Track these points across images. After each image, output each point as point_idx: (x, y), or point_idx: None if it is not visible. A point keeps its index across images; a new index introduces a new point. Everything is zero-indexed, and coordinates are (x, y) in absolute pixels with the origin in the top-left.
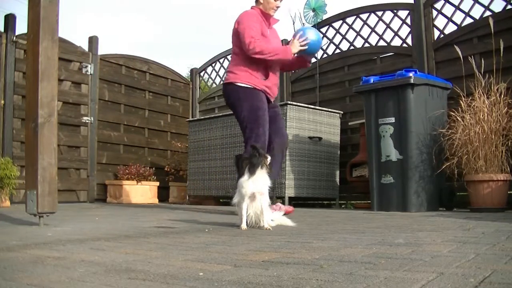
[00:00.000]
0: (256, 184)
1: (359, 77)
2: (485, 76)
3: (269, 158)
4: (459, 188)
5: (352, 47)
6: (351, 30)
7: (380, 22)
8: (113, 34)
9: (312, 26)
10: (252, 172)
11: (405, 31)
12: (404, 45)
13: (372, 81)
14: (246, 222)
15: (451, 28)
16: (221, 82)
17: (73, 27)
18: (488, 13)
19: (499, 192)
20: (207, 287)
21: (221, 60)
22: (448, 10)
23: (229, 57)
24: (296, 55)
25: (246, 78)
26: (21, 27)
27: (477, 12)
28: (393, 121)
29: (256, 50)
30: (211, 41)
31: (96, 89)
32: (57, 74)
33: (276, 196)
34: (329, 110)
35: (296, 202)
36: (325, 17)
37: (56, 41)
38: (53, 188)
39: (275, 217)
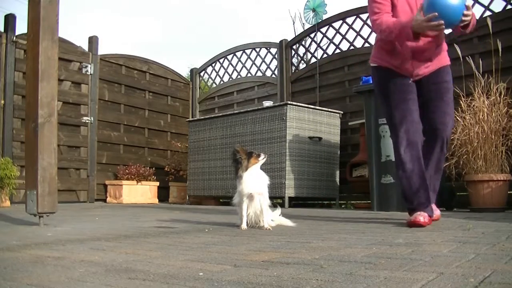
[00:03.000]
0: (254, 185)
1: (359, 77)
2: (485, 76)
3: (262, 156)
4: (459, 188)
5: (352, 47)
6: (351, 30)
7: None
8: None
9: (312, 26)
10: (238, 175)
11: None
12: None
13: (372, 81)
14: (246, 222)
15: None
16: (221, 82)
17: (73, 27)
18: (488, 13)
19: (499, 192)
20: (207, 287)
21: (221, 60)
22: None
23: (229, 57)
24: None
25: None
26: (21, 27)
27: (477, 12)
28: None
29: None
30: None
31: (96, 89)
32: (57, 74)
33: (276, 196)
34: (329, 110)
35: (296, 202)
36: (325, 17)
37: (56, 41)
38: (53, 188)
39: (275, 217)
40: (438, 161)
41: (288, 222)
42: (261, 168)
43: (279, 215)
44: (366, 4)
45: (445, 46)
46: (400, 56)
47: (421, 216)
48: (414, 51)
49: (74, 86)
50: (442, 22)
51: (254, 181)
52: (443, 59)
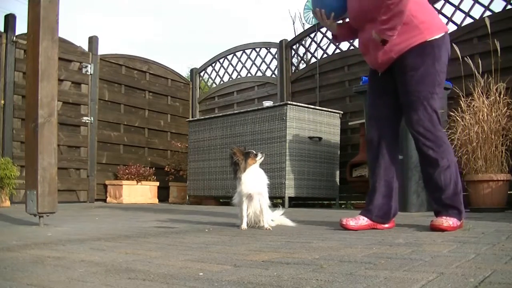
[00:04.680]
0: (253, 185)
1: (359, 77)
2: (484, 76)
3: (259, 156)
4: None
5: (352, 47)
6: None
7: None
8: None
9: (312, 26)
10: (237, 176)
11: None
12: None
13: None
14: (246, 222)
15: (451, 28)
16: (221, 82)
17: (73, 27)
18: (488, 13)
19: (499, 192)
20: (207, 287)
21: (221, 60)
22: (448, 10)
23: (229, 57)
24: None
25: None
26: (21, 27)
27: (477, 12)
28: None
29: None
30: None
31: (96, 89)
32: (57, 74)
33: (276, 196)
34: (329, 110)
35: (296, 202)
36: None
37: (56, 41)
38: (53, 188)
39: (275, 216)
40: (422, 164)
41: (288, 222)
42: (261, 168)
43: (281, 215)
44: None
45: (418, 21)
46: (363, 49)
47: (351, 220)
48: (364, 40)
49: (74, 86)
50: (323, 10)
51: (253, 181)
52: (411, 39)
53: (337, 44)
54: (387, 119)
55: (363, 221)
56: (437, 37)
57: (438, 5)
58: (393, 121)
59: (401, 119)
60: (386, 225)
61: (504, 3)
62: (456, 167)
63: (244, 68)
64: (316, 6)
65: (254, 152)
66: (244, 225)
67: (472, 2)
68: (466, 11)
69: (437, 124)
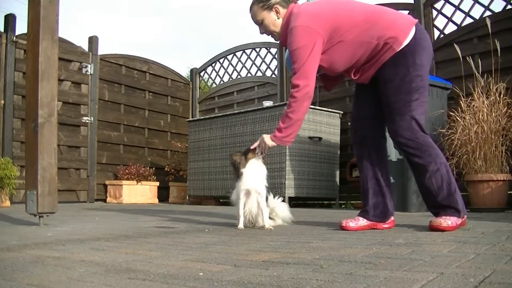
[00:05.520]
0: (252, 180)
1: None
2: (484, 76)
3: (257, 150)
4: (459, 188)
5: None
6: None
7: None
8: (113, 34)
9: None
10: (239, 173)
11: None
12: None
13: None
14: (244, 222)
15: (451, 28)
16: (221, 82)
17: (73, 27)
18: (488, 13)
19: (499, 192)
20: (207, 287)
21: (221, 60)
22: (448, 10)
23: (229, 57)
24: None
25: None
26: (21, 27)
27: (477, 12)
28: None
29: None
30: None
31: (96, 89)
32: (57, 74)
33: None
34: (329, 110)
35: (296, 202)
36: None
37: (56, 41)
38: (53, 188)
39: (275, 203)
40: (413, 171)
41: (286, 212)
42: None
43: (281, 201)
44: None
45: (383, 39)
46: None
47: (350, 221)
48: (350, 74)
49: (74, 86)
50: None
51: (253, 176)
52: (384, 54)
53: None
54: (370, 119)
55: (363, 221)
56: (406, 42)
57: (438, 5)
58: (376, 120)
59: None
60: (386, 225)
61: (504, 3)
62: (447, 167)
63: (244, 68)
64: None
65: (252, 148)
66: (240, 225)
67: (472, 2)
68: (466, 11)
69: (417, 131)
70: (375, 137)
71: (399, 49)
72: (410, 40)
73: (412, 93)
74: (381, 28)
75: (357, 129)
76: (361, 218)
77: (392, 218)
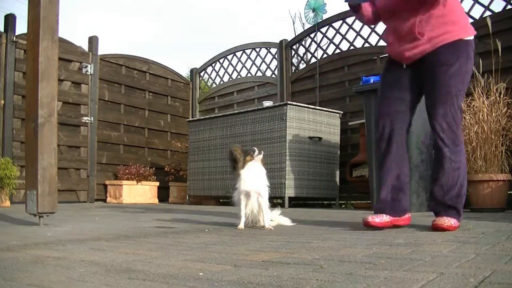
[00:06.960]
0: (251, 182)
1: (359, 77)
2: (485, 76)
3: (256, 153)
4: None
5: (352, 47)
6: (351, 30)
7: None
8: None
9: (312, 26)
10: (237, 172)
11: None
12: None
13: (372, 81)
14: (245, 222)
15: None
16: (221, 82)
17: (73, 27)
18: (488, 13)
19: (499, 192)
20: (207, 287)
21: (221, 60)
22: None
23: (229, 57)
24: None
25: None
26: (21, 27)
27: (477, 12)
28: None
29: None
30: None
31: (96, 89)
32: (57, 74)
33: (276, 196)
34: (329, 110)
35: (296, 202)
36: (325, 17)
37: (56, 41)
38: (53, 188)
39: (274, 216)
40: (435, 160)
41: (287, 222)
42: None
43: (279, 214)
44: None
45: (454, 17)
46: (390, 37)
47: (376, 217)
48: (396, 28)
49: (74, 86)
50: None
51: (252, 179)
52: (447, 34)
53: (337, 44)
54: (400, 114)
55: (386, 217)
56: (470, 38)
57: None
58: (406, 116)
59: (413, 116)
60: (403, 221)
61: (504, 3)
62: (465, 169)
63: (244, 68)
64: None
65: (253, 150)
66: (241, 225)
67: (472, 2)
68: (466, 11)
69: (459, 123)
70: (402, 133)
71: (465, 39)
72: (472, 39)
73: (464, 84)
74: (459, 10)
75: (385, 126)
76: (384, 215)
77: (408, 214)
